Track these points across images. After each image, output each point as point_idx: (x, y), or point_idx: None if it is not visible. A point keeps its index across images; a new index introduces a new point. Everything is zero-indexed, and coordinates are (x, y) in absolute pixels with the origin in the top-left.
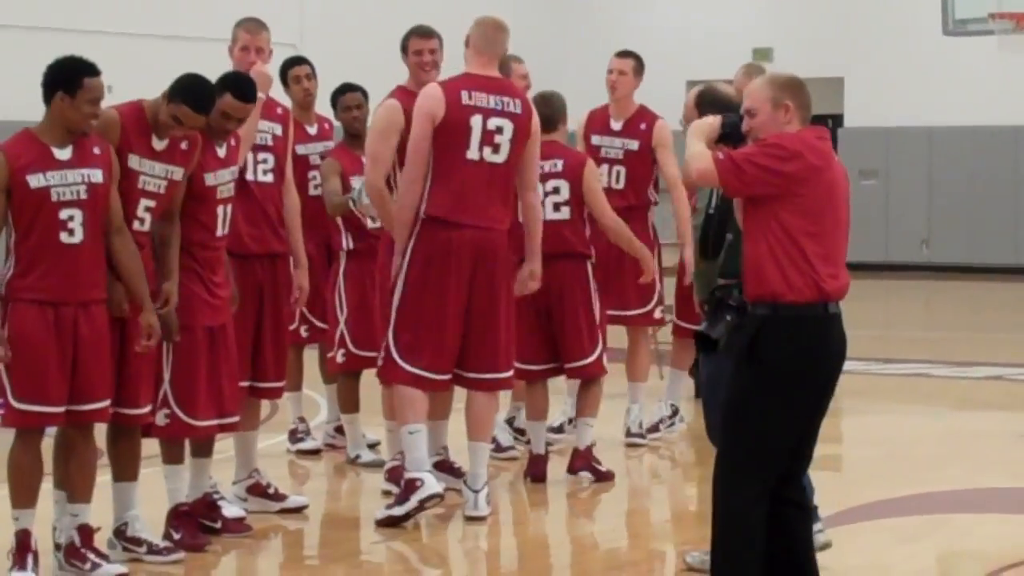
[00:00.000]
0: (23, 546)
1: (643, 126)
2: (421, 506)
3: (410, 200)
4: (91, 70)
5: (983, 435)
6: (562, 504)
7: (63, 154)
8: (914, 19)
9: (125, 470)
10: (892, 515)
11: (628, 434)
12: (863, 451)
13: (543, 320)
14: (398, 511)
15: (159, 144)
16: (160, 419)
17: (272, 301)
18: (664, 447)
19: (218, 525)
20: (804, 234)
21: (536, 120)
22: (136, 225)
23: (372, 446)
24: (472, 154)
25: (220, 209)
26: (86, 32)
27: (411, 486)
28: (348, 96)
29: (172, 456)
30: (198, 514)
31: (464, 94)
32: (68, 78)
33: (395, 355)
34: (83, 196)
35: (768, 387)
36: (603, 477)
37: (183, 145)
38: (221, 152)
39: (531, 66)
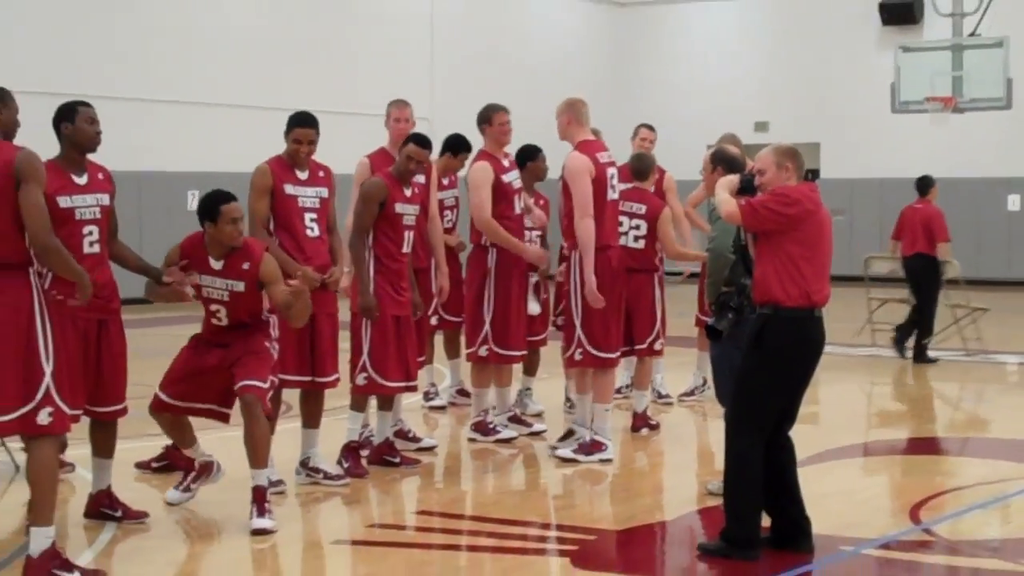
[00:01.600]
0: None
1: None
2: (598, 461)
3: (591, 234)
4: (226, 198)
5: (923, 399)
6: (629, 446)
7: (217, 265)
8: (871, 101)
9: (310, 420)
10: (857, 456)
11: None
12: (836, 410)
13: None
14: (581, 457)
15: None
16: (359, 380)
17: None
18: (696, 406)
19: (397, 460)
20: (800, 258)
21: None
22: (308, 232)
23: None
24: (611, 196)
25: (406, 233)
26: (264, 109)
27: (597, 446)
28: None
29: (357, 406)
30: (383, 452)
31: (598, 155)
32: (208, 209)
33: (588, 346)
34: (231, 292)
35: (768, 366)
36: (654, 428)
37: (320, 173)
38: (408, 192)
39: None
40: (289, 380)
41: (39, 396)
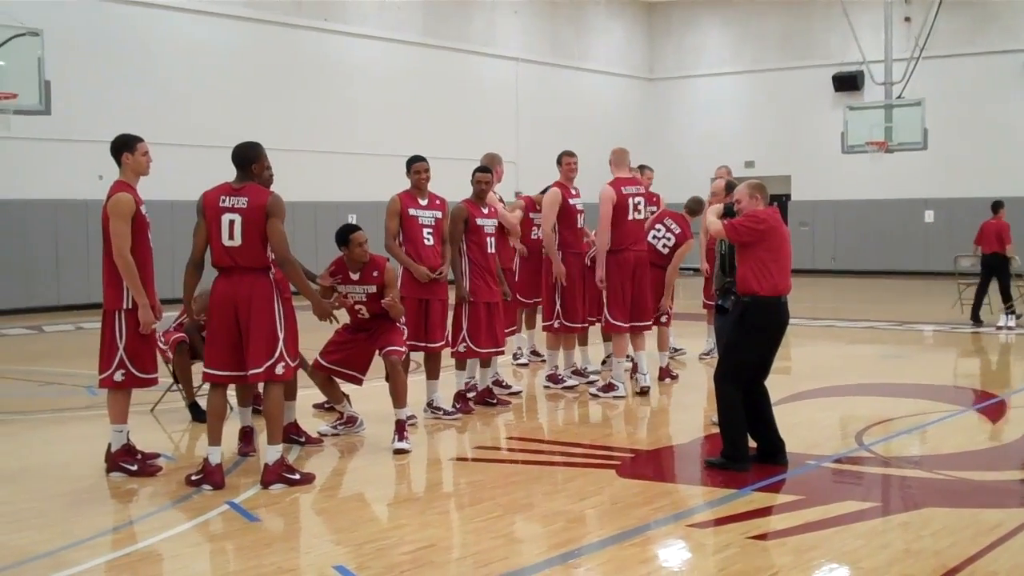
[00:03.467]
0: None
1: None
2: (612, 397)
3: (607, 240)
4: (353, 229)
5: (865, 357)
6: (656, 390)
7: (355, 276)
8: (827, 145)
9: (431, 374)
10: (818, 397)
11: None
12: (803, 365)
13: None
14: (601, 395)
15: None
16: (460, 347)
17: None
18: (709, 363)
19: (494, 401)
20: (769, 261)
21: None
22: (425, 242)
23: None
24: (633, 215)
25: (488, 239)
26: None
27: (611, 387)
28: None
29: (461, 365)
30: (484, 396)
31: (623, 188)
32: (342, 238)
33: (611, 318)
34: (367, 294)
35: (748, 336)
36: (675, 379)
37: (437, 201)
38: (484, 210)
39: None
40: (411, 345)
41: (276, 354)
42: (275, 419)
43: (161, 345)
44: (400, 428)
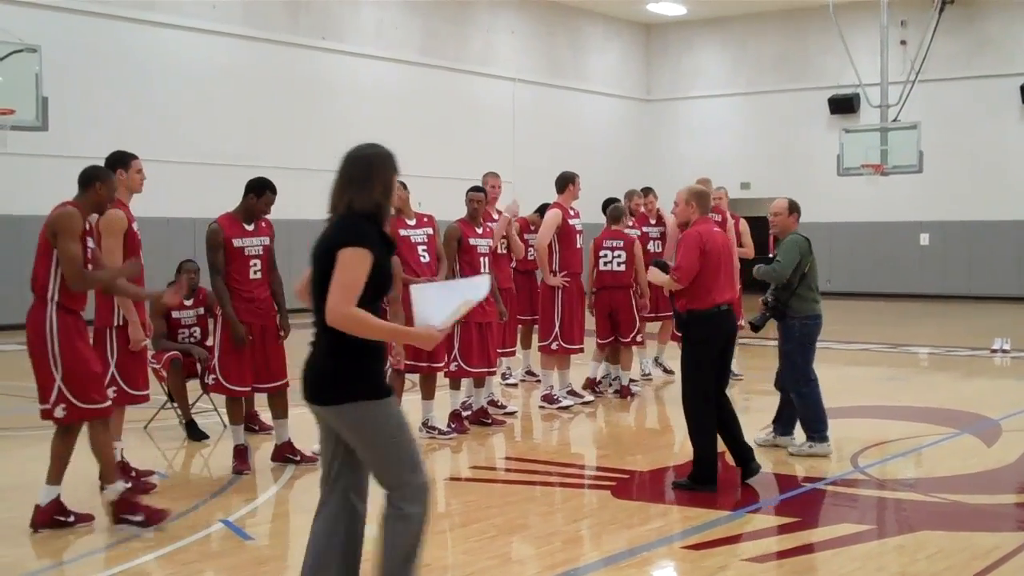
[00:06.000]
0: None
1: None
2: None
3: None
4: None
5: (860, 379)
6: (649, 412)
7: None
8: (823, 167)
9: (427, 394)
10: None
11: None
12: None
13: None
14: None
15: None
16: (452, 367)
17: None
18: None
19: (489, 421)
20: (704, 275)
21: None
22: (421, 260)
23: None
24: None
25: (481, 259)
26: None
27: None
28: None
29: (454, 385)
30: (480, 416)
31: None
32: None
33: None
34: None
35: (695, 350)
36: (634, 396)
37: (425, 219)
38: (479, 230)
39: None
40: (410, 366)
41: (54, 395)
42: (100, 456)
43: (154, 364)
44: None
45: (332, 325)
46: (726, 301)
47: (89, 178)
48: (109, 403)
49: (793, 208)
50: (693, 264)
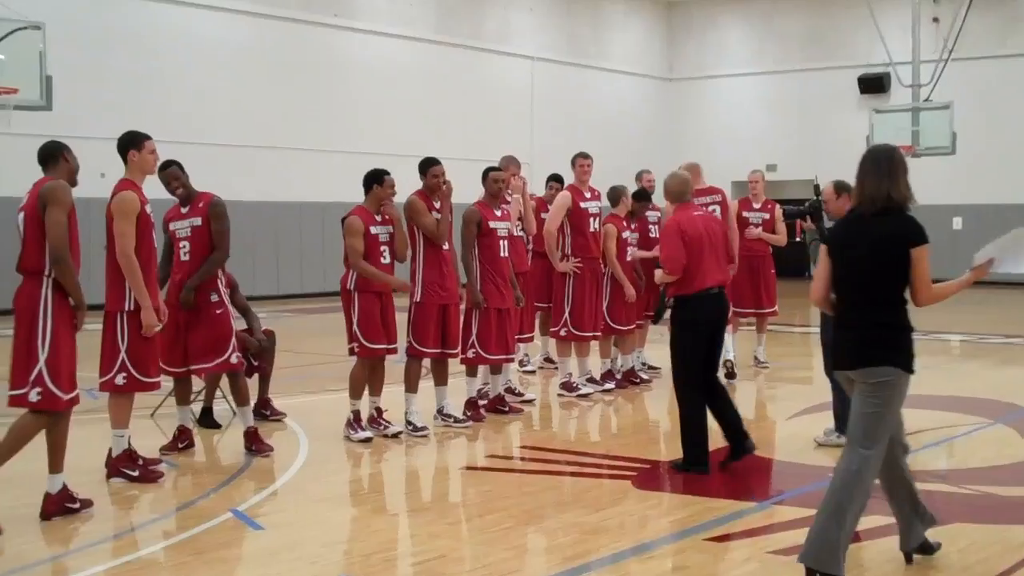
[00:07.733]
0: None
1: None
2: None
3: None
4: (386, 172)
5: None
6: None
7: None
8: (852, 149)
9: (440, 380)
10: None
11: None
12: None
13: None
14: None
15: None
16: (469, 354)
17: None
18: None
19: (506, 409)
20: (688, 262)
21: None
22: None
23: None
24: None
25: (500, 243)
26: (366, 153)
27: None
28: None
29: (470, 372)
30: (496, 403)
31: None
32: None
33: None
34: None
35: (683, 334)
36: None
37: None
38: (498, 212)
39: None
40: (427, 352)
41: (32, 376)
42: (57, 447)
43: None
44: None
45: (924, 305)
46: (716, 284)
47: (51, 152)
48: (75, 396)
49: (841, 189)
50: (678, 253)
